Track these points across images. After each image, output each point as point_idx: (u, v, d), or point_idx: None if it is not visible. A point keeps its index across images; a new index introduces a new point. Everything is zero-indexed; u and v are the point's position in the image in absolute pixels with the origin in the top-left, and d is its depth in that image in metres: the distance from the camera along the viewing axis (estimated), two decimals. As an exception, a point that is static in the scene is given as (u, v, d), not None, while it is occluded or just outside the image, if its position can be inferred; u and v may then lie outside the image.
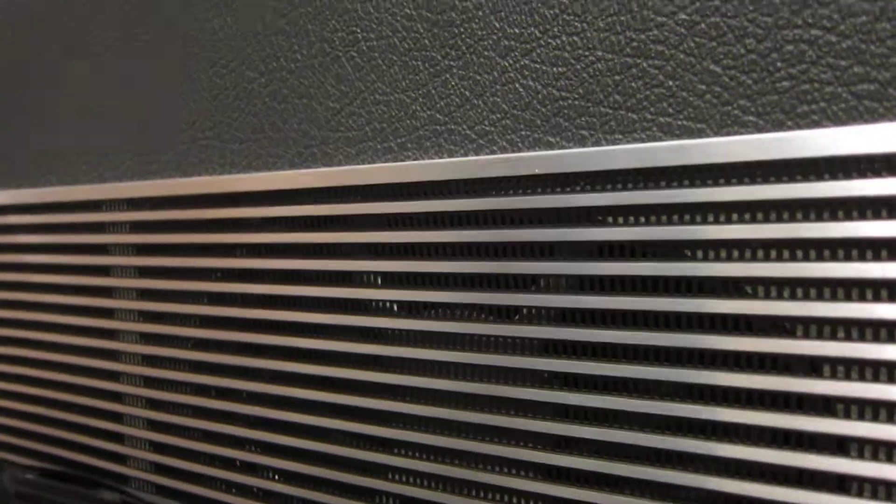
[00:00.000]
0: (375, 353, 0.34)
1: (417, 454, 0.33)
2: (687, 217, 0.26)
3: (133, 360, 0.44)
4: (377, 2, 0.33)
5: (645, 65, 0.27)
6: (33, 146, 0.51)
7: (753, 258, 0.25)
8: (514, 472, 0.30)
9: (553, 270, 0.28)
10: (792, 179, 0.24)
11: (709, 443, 0.26)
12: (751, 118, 0.25)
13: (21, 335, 0.52)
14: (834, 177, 0.23)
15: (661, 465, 0.27)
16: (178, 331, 0.42)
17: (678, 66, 0.26)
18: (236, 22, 0.39)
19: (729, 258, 0.25)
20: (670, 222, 0.26)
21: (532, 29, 0.29)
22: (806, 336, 0.24)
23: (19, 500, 0.47)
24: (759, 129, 0.25)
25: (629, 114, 0.27)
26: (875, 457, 0.23)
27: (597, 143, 0.28)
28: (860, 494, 0.23)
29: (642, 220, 0.27)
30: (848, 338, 0.23)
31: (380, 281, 0.34)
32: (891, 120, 0.23)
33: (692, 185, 0.26)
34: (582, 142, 0.28)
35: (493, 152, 0.30)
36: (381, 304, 0.34)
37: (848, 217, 0.23)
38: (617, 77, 0.27)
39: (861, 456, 0.23)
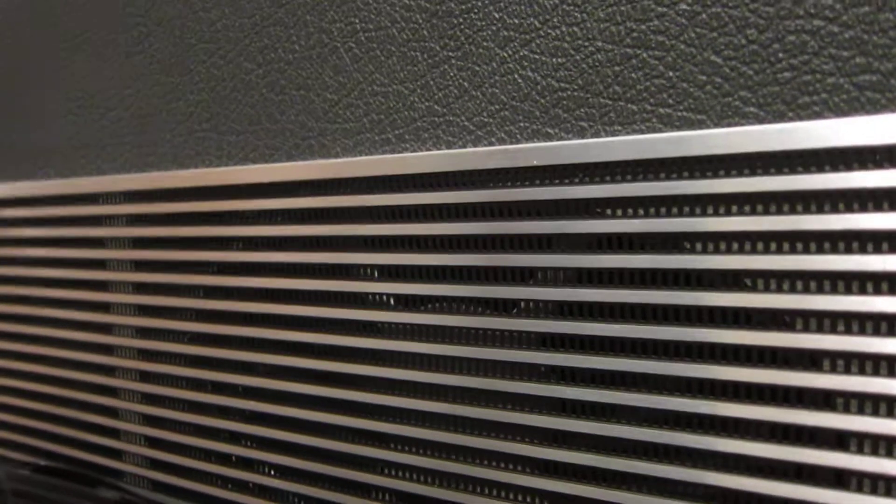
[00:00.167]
0: (372, 347, 0.33)
1: (414, 449, 0.33)
2: (686, 209, 0.25)
3: (129, 355, 0.44)
4: (376, -7, 0.33)
5: (645, 55, 0.26)
6: (30, 139, 0.51)
7: (753, 251, 0.24)
8: (511, 466, 0.30)
9: (551, 263, 0.28)
10: (793, 171, 0.24)
11: (707, 437, 0.25)
12: (752, 109, 0.25)
13: (15, 330, 0.51)
14: (835, 168, 0.23)
15: (659, 460, 0.26)
16: (174, 325, 0.41)
17: (678, 57, 0.26)
18: (234, 13, 0.39)
19: (728, 251, 0.25)
20: (669, 214, 0.26)
21: (531, 19, 0.29)
22: (806, 329, 0.24)
23: (16, 498, 0.47)
24: (760, 121, 0.24)
25: (629, 105, 0.27)
26: (875, 452, 0.23)
27: (596, 135, 0.27)
28: (859, 489, 0.23)
29: (641, 212, 0.26)
30: (848, 331, 0.23)
31: (376, 274, 0.34)
32: (893, 111, 0.22)
33: (692, 176, 0.25)
34: (581, 133, 0.28)
35: (491, 144, 0.30)
36: (377, 297, 0.34)
37: (849, 209, 0.23)
38: (617, 68, 0.27)
39: (861, 451, 0.23)
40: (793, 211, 0.24)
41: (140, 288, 0.43)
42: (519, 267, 0.29)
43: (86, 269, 0.46)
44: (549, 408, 0.29)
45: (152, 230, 0.42)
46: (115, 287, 0.44)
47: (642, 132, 0.27)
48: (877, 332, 0.23)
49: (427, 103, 0.32)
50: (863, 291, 0.23)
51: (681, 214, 0.26)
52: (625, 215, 0.27)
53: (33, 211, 0.50)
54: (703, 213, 0.25)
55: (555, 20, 0.28)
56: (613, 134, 0.27)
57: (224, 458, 0.40)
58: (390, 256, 0.32)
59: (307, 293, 0.36)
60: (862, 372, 0.23)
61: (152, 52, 0.43)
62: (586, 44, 0.27)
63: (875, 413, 0.23)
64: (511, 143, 0.30)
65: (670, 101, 0.26)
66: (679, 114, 0.26)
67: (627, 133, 0.27)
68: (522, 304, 0.30)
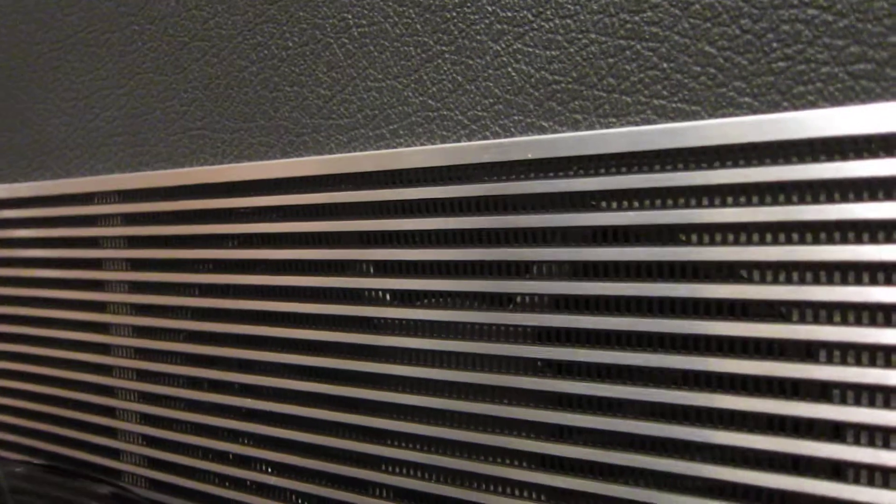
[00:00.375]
0: (368, 343, 0.33)
1: (411, 445, 0.33)
2: (682, 200, 0.25)
3: (125, 354, 0.44)
4: (369, -13, 0.33)
5: (639, 47, 0.26)
6: (24, 140, 0.51)
7: (749, 241, 0.24)
8: (508, 461, 0.30)
9: (547, 257, 0.28)
10: (788, 161, 0.24)
11: (704, 430, 0.25)
12: (746, 100, 0.24)
13: (11, 330, 0.51)
14: (830, 158, 0.23)
15: (656, 453, 0.26)
16: (170, 323, 0.41)
17: (673, 48, 0.26)
18: (227, 10, 0.38)
19: (724, 242, 0.25)
20: (665, 206, 0.26)
21: (525, 12, 0.29)
22: (801, 320, 0.24)
23: (13, 494, 0.47)
24: (755, 111, 0.24)
25: (623, 97, 0.27)
26: (871, 443, 0.23)
27: (590, 127, 0.27)
28: (856, 481, 0.23)
29: (637, 204, 0.26)
30: (844, 322, 0.23)
31: (372, 270, 0.34)
32: (888, 100, 0.22)
33: (687, 168, 0.25)
34: (575, 126, 0.28)
35: (485, 138, 0.30)
36: (373, 293, 0.34)
37: (844, 199, 0.23)
38: (611, 60, 0.27)
39: (857, 442, 0.23)
40: (788, 201, 0.24)
41: (136, 287, 0.43)
42: (515, 261, 0.29)
43: (81, 268, 0.46)
44: (546, 402, 0.29)
45: (147, 229, 0.42)
46: (111, 286, 0.44)
47: (637, 124, 0.26)
48: (873, 323, 0.23)
49: (421, 98, 0.32)
50: (858, 281, 0.23)
51: (676, 206, 0.25)
52: (620, 208, 0.27)
53: (28, 212, 0.49)
54: (699, 205, 0.25)
55: (548, 13, 0.28)
56: (608, 126, 0.27)
57: (222, 456, 0.40)
58: (386, 252, 0.32)
59: (303, 290, 0.36)
60: (858, 362, 0.23)
61: (145, 50, 0.42)
62: (580, 36, 0.27)
63: (871, 404, 0.23)
64: (505, 136, 0.29)
65: (665, 92, 0.26)
66: (673, 105, 0.26)
67: (622, 125, 0.27)
68: (518, 298, 0.30)
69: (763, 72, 0.24)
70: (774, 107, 0.24)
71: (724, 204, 0.25)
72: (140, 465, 0.44)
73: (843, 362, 0.23)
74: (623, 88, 0.27)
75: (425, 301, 0.32)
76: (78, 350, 0.47)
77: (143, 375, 0.43)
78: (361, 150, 0.34)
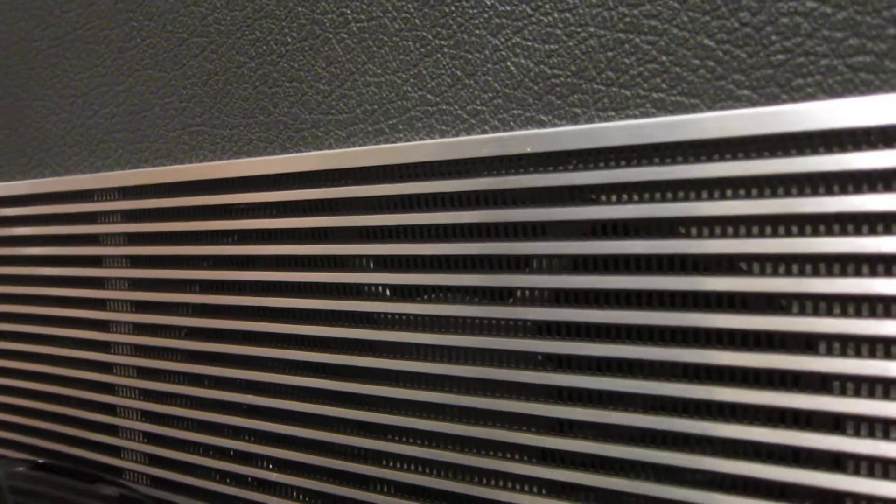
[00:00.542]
0: (369, 339, 0.33)
1: (412, 440, 0.33)
2: (681, 194, 0.25)
3: (126, 351, 0.44)
4: (367, -18, 0.33)
5: (638, 40, 0.26)
6: (23, 137, 0.51)
7: (748, 234, 0.24)
8: (509, 455, 0.30)
9: (546, 250, 0.28)
10: (787, 154, 0.24)
11: (704, 423, 0.25)
12: (745, 92, 0.24)
13: (11, 328, 0.51)
14: (829, 150, 0.23)
15: (656, 447, 0.26)
16: (170, 320, 0.41)
17: (671, 41, 0.26)
18: (225, 6, 0.38)
19: (724, 235, 0.25)
20: (664, 199, 0.26)
21: (523, 6, 0.29)
22: (801, 313, 0.24)
23: (13, 494, 0.47)
24: (754, 104, 0.24)
25: (622, 90, 0.27)
26: (871, 434, 0.23)
27: (589, 121, 0.27)
28: (856, 472, 0.23)
29: (636, 197, 0.26)
30: (844, 314, 0.23)
31: (372, 265, 0.34)
32: (887, 92, 0.22)
33: (686, 161, 0.25)
34: (574, 119, 0.28)
35: (484, 132, 0.30)
36: (373, 288, 0.34)
37: (843, 191, 0.23)
38: (609, 53, 0.27)
39: (857, 433, 0.23)
40: (787, 194, 0.24)
41: (136, 284, 0.43)
42: (514, 255, 0.29)
43: (81, 266, 0.46)
44: (547, 396, 0.29)
45: (147, 226, 0.42)
46: (111, 284, 0.44)
47: (636, 117, 0.26)
48: (873, 315, 0.23)
49: (420, 92, 0.32)
50: (858, 273, 0.23)
51: (675, 199, 0.25)
52: (619, 201, 0.27)
53: (27, 209, 0.49)
54: (698, 198, 0.25)
55: (547, 6, 0.28)
56: (607, 120, 0.27)
57: (223, 453, 0.40)
58: (386, 247, 0.32)
59: (303, 285, 0.36)
60: (858, 355, 0.23)
61: (144, 47, 0.42)
62: (579, 30, 0.27)
63: (871, 396, 0.23)
64: (504, 130, 0.29)
65: (664, 85, 0.26)
66: (673, 98, 0.26)
67: (621, 118, 0.27)
68: (518, 292, 0.30)
69: (762, 64, 0.24)
70: (773, 99, 0.24)
71: (723, 197, 0.25)
72: (141, 463, 0.44)
73: (843, 354, 0.23)
74: (622, 82, 0.27)
75: (425, 296, 0.32)
76: (78, 348, 0.47)
77: (143, 372, 0.43)
78: (361, 145, 0.34)
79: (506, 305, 0.30)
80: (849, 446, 0.23)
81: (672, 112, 0.26)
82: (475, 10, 0.30)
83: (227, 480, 0.40)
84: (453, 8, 0.30)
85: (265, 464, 0.39)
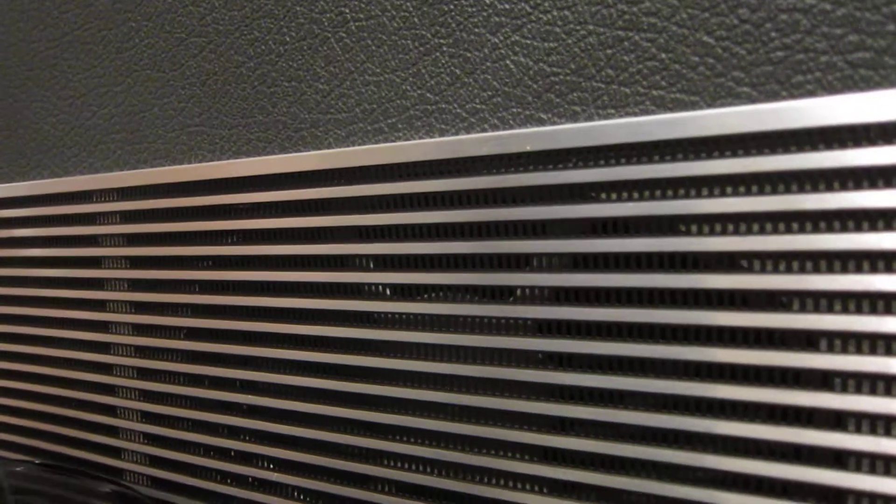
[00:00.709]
0: (369, 338, 0.33)
1: (413, 439, 0.33)
2: (681, 191, 0.25)
3: (126, 352, 0.44)
4: (366, -19, 0.33)
5: (637, 38, 0.26)
6: (22, 138, 0.50)
7: (749, 231, 0.24)
8: (510, 454, 0.30)
9: (546, 249, 0.28)
10: (787, 150, 0.23)
11: (705, 420, 0.25)
12: (745, 89, 0.24)
13: (11, 330, 0.51)
14: (829, 147, 0.23)
15: (657, 444, 0.26)
16: (170, 321, 0.41)
17: (671, 39, 0.26)
18: (223, 6, 0.38)
19: (724, 232, 0.25)
20: (664, 197, 0.26)
21: (522, 4, 0.29)
22: (802, 310, 0.24)
23: (14, 494, 0.47)
24: (754, 101, 0.24)
25: (622, 88, 0.27)
26: (873, 431, 0.23)
27: (589, 119, 0.27)
28: (858, 469, 0.23)
29: (636, 195, 0.26)
30: (845, 311, 0.23)
31: (372, 264, 0.34)
32: (887, 88, 0.22)
33: (686, 158, 0.25)
34: (574, 117, 0.28)
35: (484, 130, 0.30)
36: (373, 287, 0.34)
37: (844, 188, 0.23)
38: (609, 51, 0.27)
39: (859, 430, 0.23)
40: (788, 191, 0.24)
41: (135, 284, 0.43)
42: (514, 253, 0.29)
43: (80, 267, 0.46)
44: (548, 394, 0.29)
45: (146, 226, 0.42)
46: (111, 284, 0.44)
47: (636, 115, 0.26)
48: (874, 311, 0.23)
49: (419, 91, 0.32)
50: (859, 270, 0.23)
51: (676, 197, 0.25)
52: (619, 199, 0.27)
53: (26, 210, 0.49)
54: (698, 195, 0.25)
55: (546, 4, 0.28)
56: (607, 117, 0.27)
57: (223, 453, 0.40)
58: (385, 246, 0.32)
59: (303, 285, 0.36)
60: (859, 351, 0.23)
61: (142, 47, 0.42)
62: (578, 27, 0.27)
63: (873, 392, 0.23)
64: (504, 129, 0.29)
65: (663, 83, 0.26)
66: (672, 95, 0.26)
67: (621, 116, 0.27)
68: (518, 290, 0.30)
69: (762, 61, 0.24)
70: (773, 96, 0.24)
71: (723, 194, 0.25)
72: (142, 464, 0.44)
73: (844, 351, 0.23)
74: (621, 79, 0.27)
75: (425, 295, 0.32)
76: (78, 349, 0.47)
77: (143, 373, 0.43)
78: (360, 145, 0.34)
79: (506, 304, 0.29)
80: (850, 443, 0.23)
81: (672, 109, 0.26)
82: (474, 9, 0.30)
83: (228, 481, 0.40)
84: (452, 6, 0.30)
85: (266, 464, 0.38)
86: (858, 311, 0.23)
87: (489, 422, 0.30)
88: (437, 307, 0.31)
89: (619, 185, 0.26)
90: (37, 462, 0.50)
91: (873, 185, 0.22)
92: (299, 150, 0.36)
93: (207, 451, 0.41)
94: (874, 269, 0.22)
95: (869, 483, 0.23)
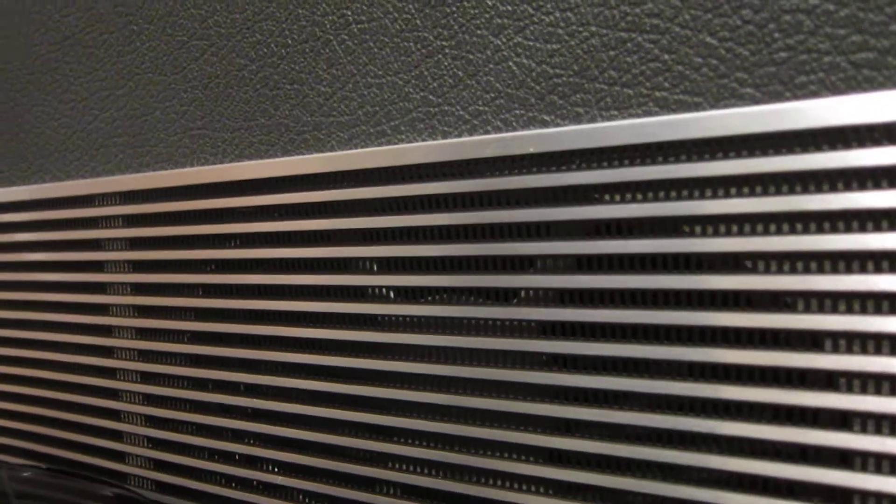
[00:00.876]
0: (373, 341, 0.33)
1: (418, 441, 0.33)
2: (685, 192, 0.25)
3: (129, 356, 0.44)
4: (367, -16, 0.33)
5: (640, 39, 0.26)
6: (24, 143, 0.50)
7: (753, 232, 0.24)
8: (515, 456, 0.30)
9: (550, 250, 0.28)
10: (790, 151, 0.24)
11: (710, 421, 0.25)
12: (748, 90, 0.24)
13: (15, 335, 0.51)
14: (833, 147, 0.23)
15: (662, 446, 0.26)
16: (173, 324, 0.41)
17: (674, 40, 0.26)
18: (225, 8, 0.38)
19: (728, 233, 0.25)
20: (668, 198, 0.26)
21: (525, 6, 0.29)
22: (807, 310, 0.24)
23: (19, 500, 0.47)
24: (757, 102, 0.24)
25: (625, 89, 0.27)
26: (879, 431, 0.23)
27: (592, 120, 0.27)
28: (864, 469, 0.23)
29: (640, 196, 0.26)
30: (849, 311, 0.23)
31: (375, 267, 0.34)
32: (890, 88, 0.22)
33: (690, 159, 0.25)
34: (577, 119, 0.28)
35: (487, 132, 0.30)
36: (377, 290, 0.34)
37: (847, 188, 0.23)
38: (612, 52, 0.27)
39: (864, 430, 0.23)
40: (791, 191, 0.24)
41: (138, 288, 0.43)
42: (518, 255, 0.29)
43: (83, 271, 0.46)
44: (552, 396, 0.29)
45: (149, 230, 0.42)
46: (114, 289, 0.44)
47: (639, 116, 0.26)
48: (878, 312, 0.23)
49: (422, 93, 0.32)
50: (863, 271, 0.23)
51: (679, 198, 0.25)
52: (623, 200, 0.27)
53: (28, 215, 0.49)
54: (702, 196, 0.25)
55: (548, 6, 0.28)
56: (610, 119, 0.27)
57: (227, 457, 0.40)
58: (389, 249, 0.32)
59: (306, 288, 0.36)
60: (864, 351, 0.23)
61: (144, 50, 0.42)
62: (580, 29, 0.27)
63: (878, 392, 0.23)
64: (507, 131, 0.29)
65: (666, 84, 0.26)
66: (675, 97, 0.26)
67: (624, 118, 0.27)
68: (522, 292, 0.30)
69: (765, 62, 0.24)
70: (777, 97, 0.24)
71: (727, 195, 0.25)
72: (146, 468, 0.44)
73: (849, 351, 0.23)
74: (624, 81, 0.27)
75: (429, 297, 0.32)
76: (81, 353, 0.47)
77: (146, 377, 0.43)
78: (363, 147, 0.34)
79: (510, 306, 0.30)
80: (856, 443, 0.23)
81: (675, 111, 0.26)
82: (476, 11, 0.30)
83: (232, 484, 0.40)
84: (454, 8, 0.30)
85: (270, 467, 0.38)
86: (863, 311, 0.23)
87: (494, 424, 0.30)
88: (440, 310, 0.31)
89: (622, 187, 0.26)
90: (41, 467, 0.50)
91: (877, 185, 0.22)
92: (302, 153, 0.36)
93: (211, 454, 0.41)
94: (878, 270, 0.23)
95: (875, 483, 0.23)
